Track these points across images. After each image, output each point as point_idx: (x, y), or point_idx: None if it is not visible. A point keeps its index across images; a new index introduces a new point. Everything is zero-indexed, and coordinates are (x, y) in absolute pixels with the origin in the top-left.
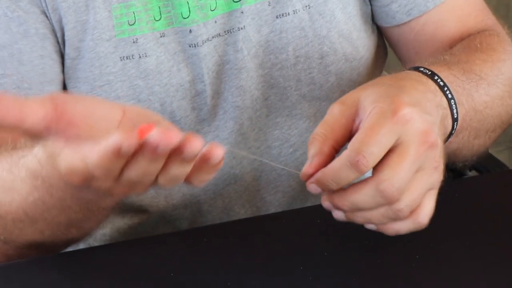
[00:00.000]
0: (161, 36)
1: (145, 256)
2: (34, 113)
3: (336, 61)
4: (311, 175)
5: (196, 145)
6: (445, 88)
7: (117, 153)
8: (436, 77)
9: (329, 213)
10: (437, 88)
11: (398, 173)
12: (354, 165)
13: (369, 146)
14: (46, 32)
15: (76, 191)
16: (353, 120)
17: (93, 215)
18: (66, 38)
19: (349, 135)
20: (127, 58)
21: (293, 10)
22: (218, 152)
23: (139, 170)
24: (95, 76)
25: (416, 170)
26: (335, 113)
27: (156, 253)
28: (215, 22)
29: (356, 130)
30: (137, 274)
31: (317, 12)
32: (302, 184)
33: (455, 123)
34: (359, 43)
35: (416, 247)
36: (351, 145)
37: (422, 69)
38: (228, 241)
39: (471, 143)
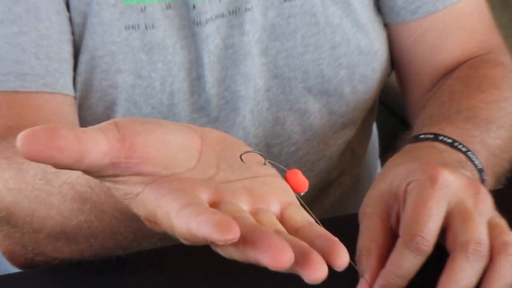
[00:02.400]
0: (167, 8)
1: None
2: (96, 146)
3: (349, 53)
4: None
5: (344, 260)
6: (456, 143)
7: (208, 240)
8: (440, 137)
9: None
10: (447, 147)
11: (475, 232)
12: (415, 249)
13: (423, 224)
14: None
15: (137, 222)
16: (388, 216)
17: (147, 241)
18: (70, 1)
19: (391, 232)
20: (132, 28)
21: None
22: (341, 262)
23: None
24: (96, 45)
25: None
26: (366, 220)
27: (158, 266)
28: (220, 0)
29: (396, 223)
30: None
31: None
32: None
33: (482, 173)
34: (374, 36)
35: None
36: (403, 229)
37: (422, 136)
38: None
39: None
